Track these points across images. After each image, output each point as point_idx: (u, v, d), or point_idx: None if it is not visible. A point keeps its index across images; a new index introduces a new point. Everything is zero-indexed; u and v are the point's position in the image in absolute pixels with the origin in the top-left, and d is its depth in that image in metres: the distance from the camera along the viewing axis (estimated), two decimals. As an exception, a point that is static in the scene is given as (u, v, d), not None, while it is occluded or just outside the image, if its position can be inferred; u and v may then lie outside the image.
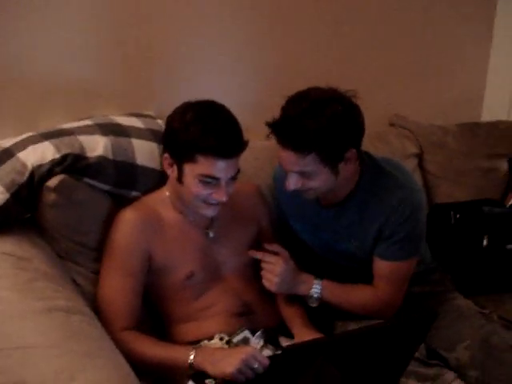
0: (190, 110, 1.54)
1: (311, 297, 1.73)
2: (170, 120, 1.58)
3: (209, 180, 1.52)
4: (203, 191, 1.55)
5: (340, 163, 1.58)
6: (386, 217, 1.67)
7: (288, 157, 1.57)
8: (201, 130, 1.49)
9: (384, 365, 1.43)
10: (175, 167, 1.57)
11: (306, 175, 1.59)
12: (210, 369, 1.45)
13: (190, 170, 1.53)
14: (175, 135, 1.54)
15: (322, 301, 1.73)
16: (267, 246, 1.74)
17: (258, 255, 1.73)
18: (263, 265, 1.72)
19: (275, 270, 1.69)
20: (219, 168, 1.51)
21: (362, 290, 1.75)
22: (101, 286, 1.63)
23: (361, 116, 1.59)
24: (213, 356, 1.48)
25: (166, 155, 1.58)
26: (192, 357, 1.48)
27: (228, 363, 1.41)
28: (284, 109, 1.56)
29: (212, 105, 1.56)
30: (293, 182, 1.61)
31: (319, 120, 1.51)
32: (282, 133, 1.55)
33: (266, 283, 1.71)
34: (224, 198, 1.56)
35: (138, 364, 1.43)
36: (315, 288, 1.73)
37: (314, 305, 1.74)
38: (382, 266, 1.72)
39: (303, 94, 1.57)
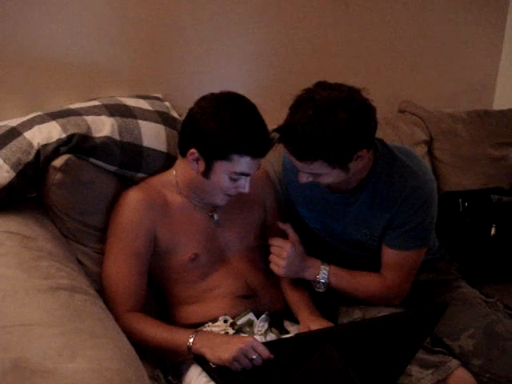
0: (223, 111, 1.53)
1: (318, 282, 1.73)
2: (199, 118, 1.56)
3: (240, 176, 1.57)
4: (230, 185, 1.59)
5: (350, 163, 1.56)
6: (397, 206, 1.66)
7: (295, 161, 1.57)
8: (239, 132, 1.52)
9: (391, 354, 1.42)
10: (202, 162, 1.58)
11: (315, 175, 1.59)
12: (207, 353, 1.47)
13: (221, 166, 1.56)
14: (210, 135, 1.53)
15: (328, 286, 1.73)
16: (280, 225, 1.74)
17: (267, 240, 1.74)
18: (271, 249, 1.72)
19: (283, 253, 1.69)
20: (251, 166, 1.57)
21: (369, 278, 1.74)
22: (105, 267, 1.63)
23: (371, 117, 1.55)
24: (212, 341, 1.50)
25: (193, 150, 1.57)
26: (191, 340, 1.50)
27: (225, 350, 1.44)
28: (290, 113, 1.54)
29: (244, 104, 1.58)
30: (303, 178, 1.62)
31: (324, 129, 1.47)
32: (287, 141, 1.54)
33: (273, 267, 1.71)
34: (247, 190, 1.61)
35: (140, 345, 1.44)
36: (322, 273, 1.72)
37: (321, 290, 1.74)
38: (390, 255, 1.71)
39: (309, 96, 1.52)
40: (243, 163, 1.55)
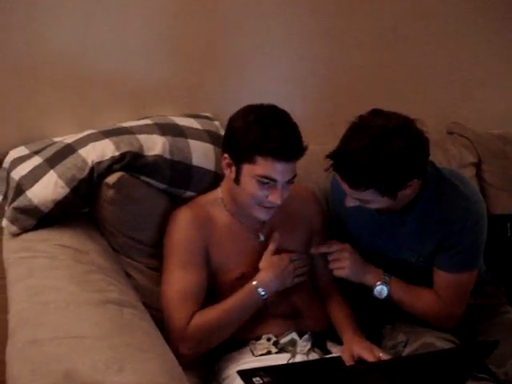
0: (252, 112, 1.56)
1: (378, 286, 1.72)
2: (231, 121, 1.60)
3: (266, 181, 1.54)
4: (259, 192, 1.56)
5: (400, 192, 1.56)
6: (447, 227, 1.64)
7: (346, 187, 1.57)
8: (262, 132, 1.51)
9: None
10: (233, 168, 1.59)
11: (363, 201, 1.59)
12: (275, 282, 1.65)
13: (248, 170, 1.55)
14: (236, 136, 1.56)
15: (387, 295, 1.72)
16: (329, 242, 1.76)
17: (322, 248, 1.75)
18: (329, 256, 1.73)
19: (343, 255, 1.71)
20: (277, 170, 1.53)
21: (427, 296, 1.72)
22: (166, 285, 1.63)
23: (424, 148, 1.54)
24: (271, 275, 1.65)
25: (226, 155, 1.60)
26: (260, 288, 1.63)
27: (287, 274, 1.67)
28: (344, 140, 1.53)
29: (274, 109, 1.58)
30: (350, 203, 1.62)
31: (378, 159, 1.46)
32: (340, 168, 1.54)
33: (336, 271, 1.73)
34: (279, 201, 1.57)
35: (217, 333, 1.59)
36: (384, 280, 1.72)
37: (381, 297, 1.73)
38: (442, 278, 1.69)
39: (364, 124, 1.52)
40: (266, 165, 1.52)
